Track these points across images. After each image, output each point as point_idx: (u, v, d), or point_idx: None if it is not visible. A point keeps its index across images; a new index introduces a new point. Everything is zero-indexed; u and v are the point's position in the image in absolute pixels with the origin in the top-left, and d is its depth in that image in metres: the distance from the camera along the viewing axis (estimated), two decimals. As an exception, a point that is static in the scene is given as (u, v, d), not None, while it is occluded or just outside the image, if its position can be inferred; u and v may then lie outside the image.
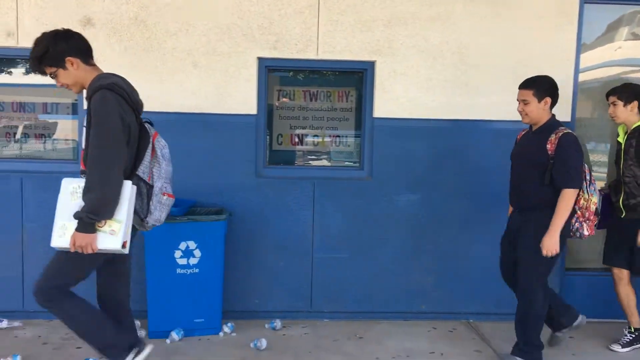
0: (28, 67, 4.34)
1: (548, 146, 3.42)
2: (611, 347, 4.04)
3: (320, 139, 4.60)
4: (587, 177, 3.51)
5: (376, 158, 4.41)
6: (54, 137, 4.45)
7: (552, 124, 3.54)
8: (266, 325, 4.28)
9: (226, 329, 4.13)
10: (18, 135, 4.42)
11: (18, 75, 4.38)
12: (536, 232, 3.43)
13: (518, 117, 4.36)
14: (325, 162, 4.61)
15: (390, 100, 4.36)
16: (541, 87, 3.53)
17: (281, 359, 3.75)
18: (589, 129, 4.64)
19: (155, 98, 4.24)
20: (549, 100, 3.54)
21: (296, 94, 4.56)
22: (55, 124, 4.44)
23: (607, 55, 4.62)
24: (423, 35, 4.34)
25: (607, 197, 4.02)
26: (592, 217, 3.57)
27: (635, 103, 3.89)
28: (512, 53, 4.38)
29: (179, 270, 3.98)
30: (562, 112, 4.42)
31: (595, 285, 4.58)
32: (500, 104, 4.40)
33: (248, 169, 4.35)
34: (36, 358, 3.63)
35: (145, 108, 4.17)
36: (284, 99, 4.56)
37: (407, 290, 4.49)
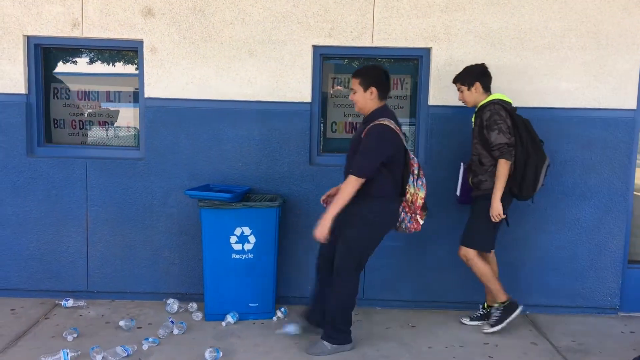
0: (92, 56, 4.52)
1: (362, 136, 3.41)
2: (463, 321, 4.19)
3: (374, 127, 4.57)
4: (415, 172, 3.51)
5: (430, 145, 4.35)
6: (116, 124, 4.61)
7: (375, 114, 3.49)
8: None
9: (280, 313, 4.20)
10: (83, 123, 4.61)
11: (82, 64, 4.55)
12: (346, 220, 3.47)
13: (584, 105, 4.26)
14: (379, 150, 4.58)
15: (446, 88, 4.29)
16: (367, 76, 3.50)
17: (334, 344, 3.77)
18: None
19: (212, 87, 4.32)
20: (374, 90, 3.48)
21: (351, 81, 4.54)
22: (117, 111, 4.60)
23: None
24: (481, 20, 4.24)
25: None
26: (419, 212, 3.57)
27: (478, 84, 3.90)
28: (577, 38, 4.22)
29: (234, 255, 4.06)
30: (629, 99, 4.26)
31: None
32: (563, 91, 4.26)
33: (302, 156, 4.38)
34: (99, 336, 3.79)
35: (203, 97, 4.33)
36: (338, 87, 4.56)
37: (463, 280, 4.42)
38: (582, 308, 4.44)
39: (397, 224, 3.63)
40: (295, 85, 4.33)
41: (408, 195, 3.53)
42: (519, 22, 4.23)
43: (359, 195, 3.42)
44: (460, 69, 4.17)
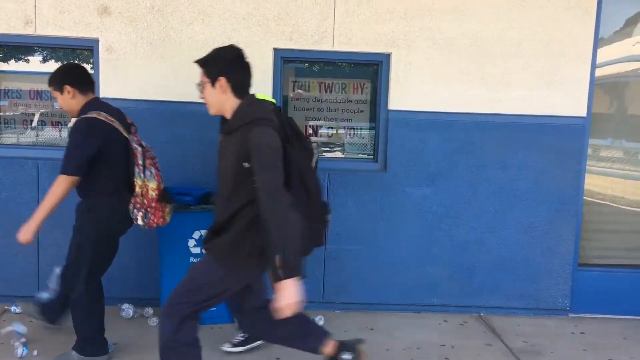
0: (46, 54, 4.39)
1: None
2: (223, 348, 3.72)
3: (334, 131, 4.60)
4: (140, 162, 3.25)
5: (390, 150, 4.40)
6: (70, 125, 4.48)
7: (84, 109, 3.25)
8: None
9: (238, 318, 4.16)
10: (34, 123, 4.46)
11: (35, 63, 4.42)
12: (75, 224, 3.33)
13: (538, 112, 4.38)
14: (339, 154, 4.61)
15: (405, 93, 4.35)
16: (57, 78, 3.25)
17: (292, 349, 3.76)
18: (605, 125, 4.60)
19: (171, 88, 4.25)
20: (70, 89, 3.25)
21: (311, 85, 4.56)
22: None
23: (625, 50, 4.57)
24: (439, 28, 4.32)
25: None
26: (154, 205, 3.31)
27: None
28: (530, 46, 4.35)
29: (192, 259, 4.00)
30: (579, 106, 4.41)
31: (606, 281, 4.57)
32: (518, 98, 4.38)
33: (262, 159, 4.35)
34: (50, 341, 3.67)
35: (162, 98, 4.25)
36: (299, 91, 4.56)
37: (420, 282, 4.50)
38: (535, 310, 4.56)
39: (134, 221, 3.33)
40: (255, 88, 4.26)
41: (137, 189, 3.25)
42: (475, 30, 4.33)
43: (82, 195, 3.28)
44: (420, 75, 4.24)
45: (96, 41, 4.25)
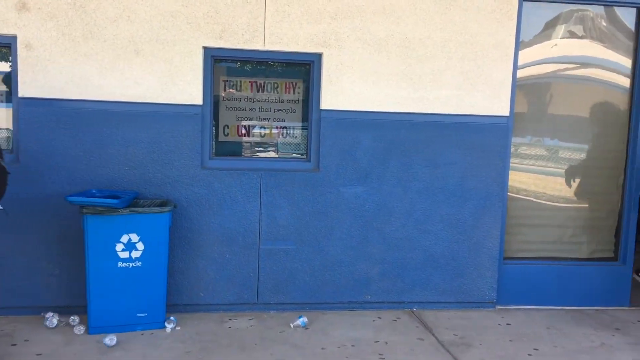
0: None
1: None
2: None
3: (267, 131, 4.57)
4: None
5: (323, 150, 4.42)
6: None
7: None
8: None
9: (170, 323, 4.06)
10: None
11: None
12: None
13: (465, 111, 4.52)
14: (272, 154, 4.59)
15: (337, 93, 4.38)
16: None
17: (227, 351, 3.72)
18: (527, 124, 4.81)
19: (95, 87, 4.10)
20: None
21: (243, 84, 4.51)
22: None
23: (545, 53, 4.79)
24: (369, 29, 4.38)
25: None
26: None
27: None
28: (456, 48, 4.48)
29: (120, 264, 3.88)
30: (503, 106, 4.58)
31: (530, 273, 4.79)
32: (445, 98, 4.50)
33: (193, 160, 4.28)
34: None
35: (84, 97, 4.09)
36: (231, 90, 4.50)
37: (354, 280, 4.54)
38: (464, 303, 4.71)
39: None
40: (185, 87, 4.22)
41: None
42: (404, 31, 4.42)
43: None
44: (351, 75, 4.28)
45: (14, 38, 4.03)
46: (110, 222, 3.80)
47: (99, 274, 3.84)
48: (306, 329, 4.16)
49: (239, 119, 4.53)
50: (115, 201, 3.78)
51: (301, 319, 4.19)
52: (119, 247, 3.86)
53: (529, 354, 3.88)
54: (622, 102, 4.85)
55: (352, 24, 4.36)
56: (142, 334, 3.92)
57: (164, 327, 4.02)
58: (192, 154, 4.27)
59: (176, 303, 4.30)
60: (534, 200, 4.94)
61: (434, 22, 4.45)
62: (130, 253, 3.89)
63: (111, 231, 3.83)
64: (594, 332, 4.30)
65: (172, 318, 4.09)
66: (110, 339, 3.72)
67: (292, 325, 4.17)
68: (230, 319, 4.27)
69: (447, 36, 4.47)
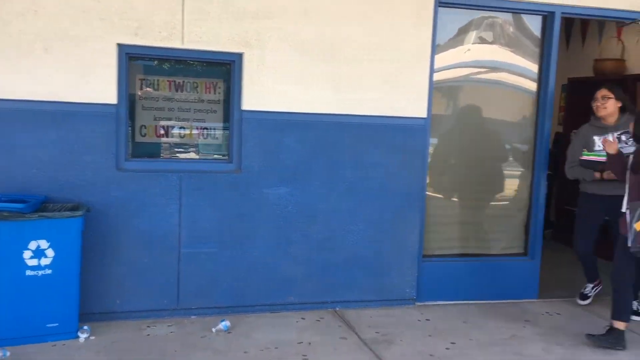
0: None
1: None
2: None
3: (187, 131, 4.46)
4: None
5: (245, 151, 4.37)
6: None
7: None
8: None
9: (83, 332, 3.86)
10: None
11: None
12: None
13: (386, 113, 4.61)
14: (193, 155, 4.49)
15: (259, 93, 4.35)
16: None
17: (146, 360, 3.60)
18: (442, 125, 4.98)
19: (1, 84, 3.85)
20: None
21: (161, 84, 4.37)
22: None
23: (459, 57, 4.98)
24: (292, 29, 4.37)
25: None
26: None
27: None
28: (378, 51, 4.55)
29: (28, 272, 3.66)
30: (421, 108, 4.71)
31: (446, 270, 4.97)
32: (368, 100, 4.57)
33: (108, 162, 4.10)
34: None
35: (-12, 94, 3.83)
36: (148, 89, 4.36)
37: (278, 282, 4.52)
38: (385, 301, 4.80)
39: None
40: (98, 85, 4.04)
41: None
42: (327, 33, 4.44)
43: None
44: (274, 75, 4.26)
45: None
46: (16, 228, 3.59)
47: (4, 283, 3.61)
48: (229, 333, 4.09)
49: (157, 119, 4.39)
50: (21, 205, 3.56)
51: (223, 323, 4.12)
52: (26, 254, 3.64)
53: (447, 348, 4.01)
54: (529, 105, 5.13)
55: (275, 24, 4.33)
56: (54, 345, 3.71)
57: (77, 337, 3.83)
58: (106, 155, 4.09)
59: (91, 312, 4.09)
60: (450, 199, 5.13)
61: (357, 25, 4.49)
62: (39, 260, 3.68)
63: (18, 238, 3.61)
64: (505, 324, 4.51)
65: (85, 327, 3.90)
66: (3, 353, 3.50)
67: (214, 329, 4.09)
68: (148, 326, 4.13)
69: (370, 40, 4.53)
